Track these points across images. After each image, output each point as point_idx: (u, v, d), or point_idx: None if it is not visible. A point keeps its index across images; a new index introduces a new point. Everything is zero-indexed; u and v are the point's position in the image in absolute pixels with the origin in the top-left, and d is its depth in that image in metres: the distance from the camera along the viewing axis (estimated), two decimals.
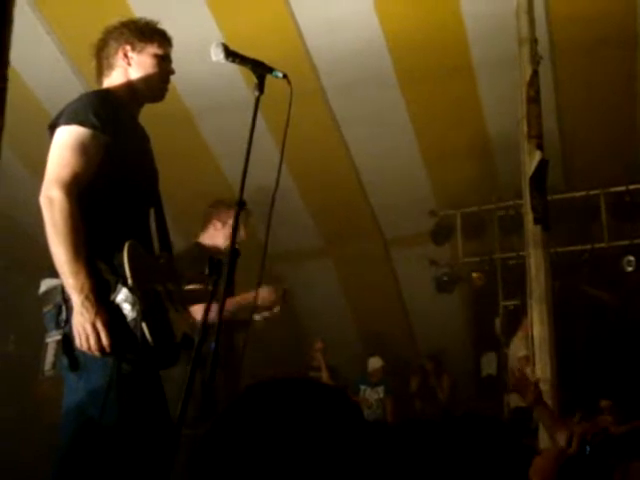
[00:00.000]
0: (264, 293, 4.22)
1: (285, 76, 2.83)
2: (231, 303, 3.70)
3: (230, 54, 2.86)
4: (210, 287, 2.47)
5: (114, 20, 3.20)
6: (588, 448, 3.12)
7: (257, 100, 2.78)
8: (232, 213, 4.79)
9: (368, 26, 6.62)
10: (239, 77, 6.97)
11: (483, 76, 7.01)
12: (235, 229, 2.61)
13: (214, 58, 2.86)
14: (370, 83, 7.05)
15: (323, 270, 8.89)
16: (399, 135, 7.61)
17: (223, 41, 6.36)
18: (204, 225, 5.07)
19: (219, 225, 5.01)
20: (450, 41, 6.72)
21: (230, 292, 2.49)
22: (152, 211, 3.17)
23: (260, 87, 2.81)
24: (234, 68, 6.67)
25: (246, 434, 1.23)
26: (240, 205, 2.66)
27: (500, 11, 5.94)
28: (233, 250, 2.54)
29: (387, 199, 8.35)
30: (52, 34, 6.49)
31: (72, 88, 6.46)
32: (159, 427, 2.81)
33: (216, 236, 5.01)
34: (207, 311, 2.43)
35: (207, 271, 2.49)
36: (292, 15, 6.54)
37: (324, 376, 8.08)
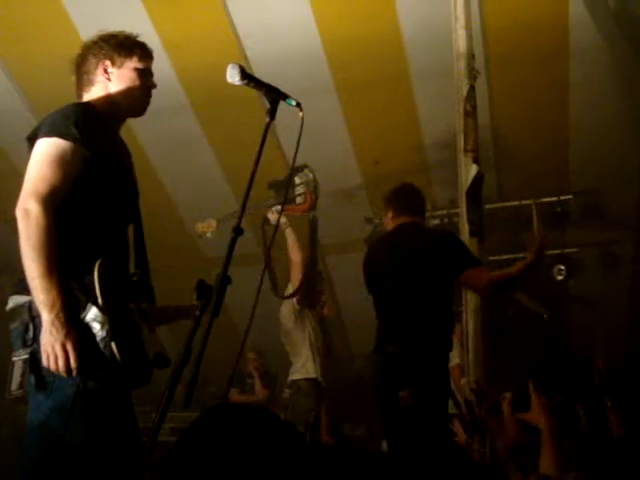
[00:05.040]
0: None
1: (298, 104, 2.74)
2: None
3: (246, 77, 2.73)
4: (197, 312, 2.37)
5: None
6: None
7: (267, 126, 2.66)
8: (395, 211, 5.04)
9: (306, 34, 6.65)
10: (176, 81, 6.94)
11: (420, 86, 7.10)
12: (229, 256, 2.49)
13: (229, 79, 2.72)
14: (308, 91, 7.06)
15: (258, 276, 8.85)
16: (336, 143, 7.65)
17: (161, 45, 6.31)
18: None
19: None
20: (388, 52, 6.78)
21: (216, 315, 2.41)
22: (131, 227, 3.11)
23: (272, 113, 2.69)
24: (172, 72, 6.75)
25: (204, 456, 1.34)
26: (237, 232, 2.54)
27: (438, 23, 6.02)
28: (224, 277, 2.44)
29: (323, 206, 8.37)
30: None
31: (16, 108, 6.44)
32: (128, 446, 2.78)
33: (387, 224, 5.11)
34: (192, 334, 2.36)
35: (195, 295, 2.41)
36: (230, 22, 6.53)
37: (257, 384, 8.11)
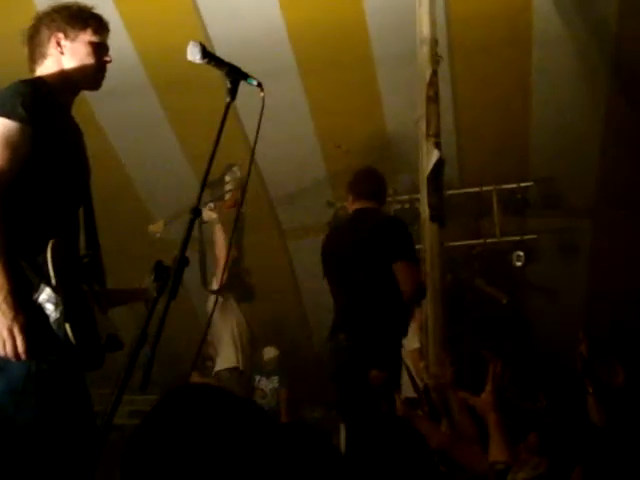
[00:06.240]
0: None
1: (259, 85, 2.73)
2: None
3: (207, 55, 2.71)
4: (154, 294, 2.37)
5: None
6: None
7: (227, 106, 2.66)
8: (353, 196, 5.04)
9: (270, 15, 6.60)
10: (138, 63, 6.85)
11: (383, 70, 7.09)
12: (187, 238, 2.48)
13: (190, 57, 2.70)
14: (270, 73, 7.01)
15: None
16: (298, 126, 7.63)
17: (122, 22, 6.22)
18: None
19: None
20: (351, 34, 6.77)
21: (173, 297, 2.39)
22: (81, 208, 3.05)
23: (232, 93, 2.70)
24: (133, 53, 6.65)
25: (168, 435, 1.36)
26: (195, 214, 2.53)
27: (402, 7, 6.01)
28: (182, 258, 2.42)
29: (285, 189, 8.37)
30: None
31: None
32: (81, 428, 2.76)
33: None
34: (149, 316, 2.34)
35: (153, 276, 2.41)
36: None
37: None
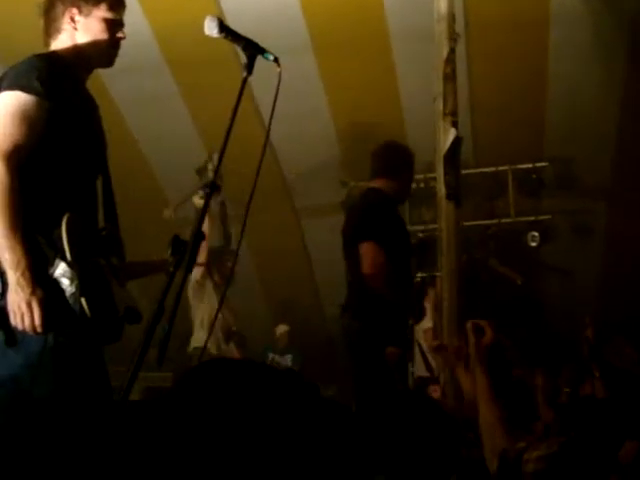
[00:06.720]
0: None
1: (276, 59, 2.66)
2: None
3: (224, 29, 2.65)
4: (171, 268, 2.34)
5: None
6: None
7: (244, 81, 2.60)
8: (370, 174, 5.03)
9: None
10: (152, 39, 6.81)
11: (398, 45, 7.03)
12: (204, 212, 2.49)
13: (207, 32, 2.65)
14: (284, 48, 6.94)
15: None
16: (311, 102, 7.57)
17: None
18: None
19: None
20: (367, 9, 6.70)
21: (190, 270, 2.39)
22: (100, 181, 3.04)
23: (249, 68, 2.64)
24: (147, 29, 6.60)
25: (200, 405, 1.33)
26: (212, 188, 2.53)
27: None
28: (198, 233, 2.41)
29: (298, 168, 8.33)
30: None
31: None
32: (97, 401, 2.77)
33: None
34: (165, 292, 2.32)
35: (170, 251, 2.38)
36: None
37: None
